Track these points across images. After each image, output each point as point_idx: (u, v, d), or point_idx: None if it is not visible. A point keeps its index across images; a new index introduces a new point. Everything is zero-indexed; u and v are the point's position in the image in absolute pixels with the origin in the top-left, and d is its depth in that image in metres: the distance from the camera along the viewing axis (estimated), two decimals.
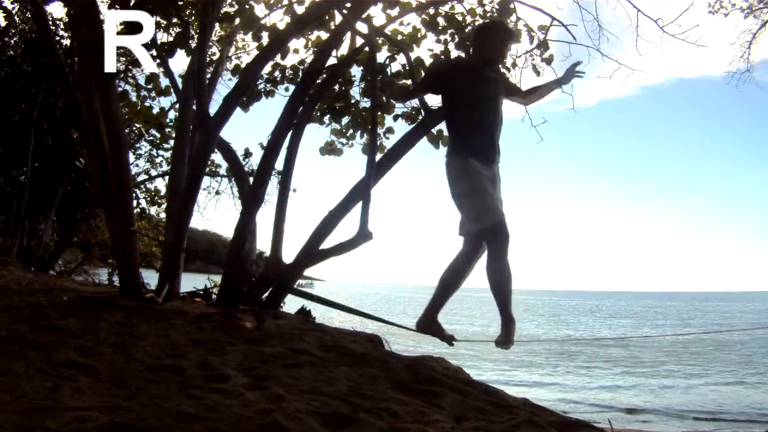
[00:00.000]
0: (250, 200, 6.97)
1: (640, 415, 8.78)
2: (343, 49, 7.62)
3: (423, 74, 3.84)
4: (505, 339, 3.62)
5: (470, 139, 3.49)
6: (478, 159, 3.47)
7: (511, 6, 7.28)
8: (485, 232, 3.51)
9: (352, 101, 8.08)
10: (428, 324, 3.88)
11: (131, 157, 11.36)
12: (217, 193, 12.22)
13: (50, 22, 8.97)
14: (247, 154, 10.55)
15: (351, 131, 8.23)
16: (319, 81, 7.38)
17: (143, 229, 12.10)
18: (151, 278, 7.37)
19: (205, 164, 7.34)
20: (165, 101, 9.48)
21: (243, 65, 8.09)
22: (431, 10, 7.65)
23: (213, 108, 6.92)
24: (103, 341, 3.81)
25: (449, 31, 7.70)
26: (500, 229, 3.48)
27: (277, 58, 7.66)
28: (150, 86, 8.90)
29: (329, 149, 8.33)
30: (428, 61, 7.71)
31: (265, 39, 7.45)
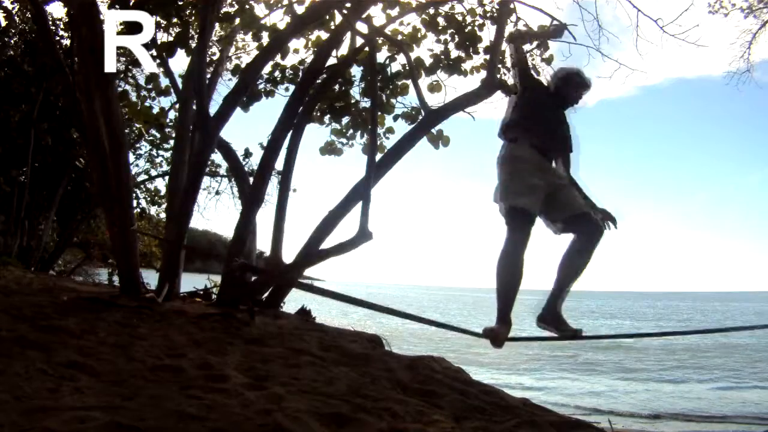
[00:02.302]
0: (250, 200, 6.98)
1: (640, 416, 8.79)
2: (343, 49, 7.64)
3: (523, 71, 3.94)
4: (491, 337, 3.44)
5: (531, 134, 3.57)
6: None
7: (511, 6, 7.28)
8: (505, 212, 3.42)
9: (352, 101, 8.09)
10: (553, 318, 3.48)
11: (131, 157, 11.37)
12: (217, 193, 12.24)
13: (50, 22, 8.98)
14: (247, 154, 10.57)
15: (351, 131, 8.24)
16: (319, 81, 7.39)
17: (143, 229, 12.10)
18: (151, 278, 7.37)
19: (205, 164, 7.34)
20: (165, 101, 9.50)
21: (243, 65, 8.11)
22: (431, 10, 7.65)
23: (213, 108, 6.93)
24: (103, 341, 3.81)
25: (449, 31, 7.70)
26: (514, 214, 3.36)
27: (277, 58, 7.67)
28: (150, 86, 8.91)
29: (329, 149, 8.34)
30: (428, 61, 7.73)
31: (265, 39, 7.46)
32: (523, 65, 3.97)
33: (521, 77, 3.93)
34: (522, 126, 3.57)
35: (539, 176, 3.42)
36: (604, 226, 3.42)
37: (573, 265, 3.41)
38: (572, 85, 3.75)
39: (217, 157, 10.53)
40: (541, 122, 3.58)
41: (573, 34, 7.48)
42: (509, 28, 7.50)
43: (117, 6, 6.17)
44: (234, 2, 7.58)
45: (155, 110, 9.22)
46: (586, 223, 3.38)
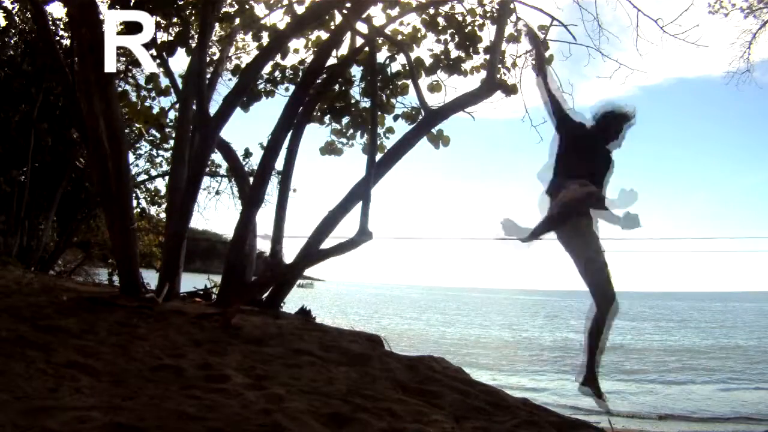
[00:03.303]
0: (250, 200, 6.98)
1: (640, 416, 8.78)
2: (343, 49, 7.63)
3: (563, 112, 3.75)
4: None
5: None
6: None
7: (511, 6, 7.28)
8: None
9: (352, 101, 8.09)
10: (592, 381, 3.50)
11: (131, 157, 11.36)
12: (217, 193, 12.23)
13: (50, 22, 8.97)
14: (247, 154, 10.56)
15: (351, 131, 8.24)
16: (319, 81, 7.39)
17: (143, 229, 12.10)
18: (151, 278, 7.37)
19: (205, 164, 7.34)
20: (165, 101, 9.48)
21: (243, 65, 8.10)
22: (431, 10, 7.66)
23: (213, 108, 6.93)
24: (103, 341, 3.80)
25: (449, 31, 7.70)
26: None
27: (277, 58, 7.67)
28: (150, 86, 8.91)
29: (329, 149, 8.33)
30: (428, 61, 7.74)
31: (265, 39, 7.46)
32: (558, 106, 3.76)
33: (558, 122, 3.76)
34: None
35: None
36: (612, 299, 3.44)
37: (592, 332, 3.46)
38: (612, 122, 3.66)
39: (217, 157, 10.54)
40: (584, 177, 3.51)
41: (573, 34, 7.49)
42: (509, 29, 7.52)
43: (117, 6, 6.17)
44: (234, 2, 7.58)
45: (155, 110, 9.21)
46: (594, 295, 3.42)
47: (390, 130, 8.04)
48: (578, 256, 3.49)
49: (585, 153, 3.60)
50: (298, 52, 7.99)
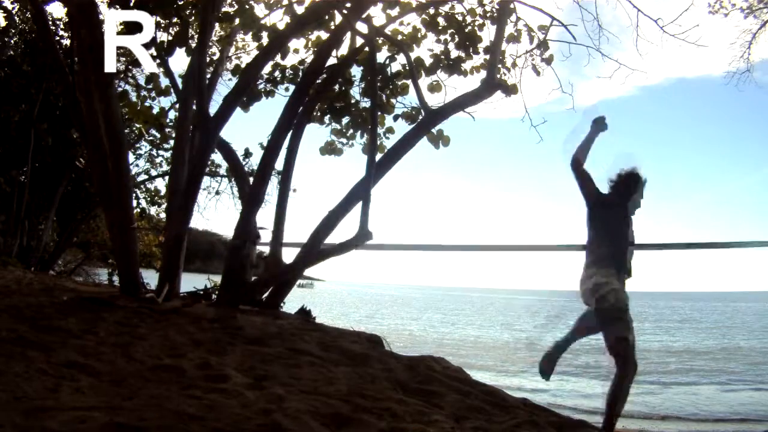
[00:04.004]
0: (250, 200, 6.98)
1: (640, 417, 8.78)
2: (343, 49, 7.63)
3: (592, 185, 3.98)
4: None
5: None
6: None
7: (511, 6, 7.28)
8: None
9: (352, 101, 8.09)
10: None
11: (131, 157, 11.38)
12: (217, 193, 12.23)
13: (50, 22, 8.98)
14: (247, 154, 10.57)
15: (351, 131, 8.24)
16: (319, 81, 7.39)
17: (143, 229, 12.09)
18: (151, 278, 7.36)
19: (205, 164, 7.34)
20: (165, 101, 9.48)
21: (243, 65, 8.10)
22: (431, 10, 7.66)
23: (213, 108, 6.93)
24: (103, 341, 3.81)
25: (449, 31, 7.70)
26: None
27: (277, 58, 7.67)
28: (150, 86, 8.91)
29: (329, 149, 8.33)
30: (428, 61, 7.74)
31: (265, 39, 7.45)
32: (592, 188, 3.92)
33: (594, 204, 3.94)
34: (604, 259, 3.80)
35: None
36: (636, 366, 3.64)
37: (612, 391, 3.59)
38: (634, 187, 3.88)
39: (217, 157, 10.54)
40: (618, 248, 3.84)
41: (573, 34, 7.49)
42: (509, 29, 7.52)
43: (117, 6, 6.17)
44: (234, 2, 7.58)
45: (155, 110, 9.22)
46: (616, 358, 3.57)
47: (390, 130, 8.04)
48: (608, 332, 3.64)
49: (614, 228, 3.86)
50: (298, 52, 7.99)
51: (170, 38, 7.36)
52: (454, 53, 7.70)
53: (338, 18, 7.13)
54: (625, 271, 3.86)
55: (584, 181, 3.90)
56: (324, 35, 7.67)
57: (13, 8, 11.19)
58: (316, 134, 8.56)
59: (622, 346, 3.51)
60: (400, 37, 7.63)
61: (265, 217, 7.41)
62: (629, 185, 3.85)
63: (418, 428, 2.64)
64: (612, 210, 3.87)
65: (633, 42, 7.50)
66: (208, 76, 7.37)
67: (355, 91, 8.07)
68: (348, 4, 6.80)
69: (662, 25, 7.22)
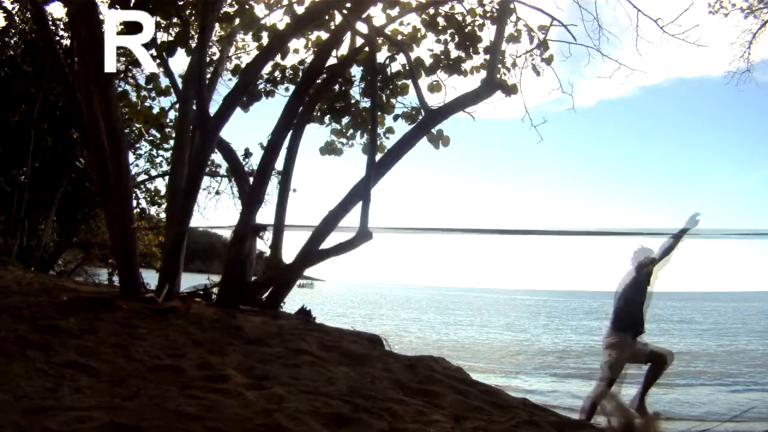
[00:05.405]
0: (250, 200, 6.98)
1: (640, 417, 8.77)
2: (343, 49, 7.64)
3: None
4: None
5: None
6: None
7: (511, 6, 7.28)
8: None
9: (352, 101, 8.09)
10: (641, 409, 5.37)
11: (131, 157, 11.37)
12: (217, 193, 12.23)
13: (50, 22, 8.97)
14: (247, 154, 10.57)
15: (351, 131, 8.24)
16: (319, 81, 7.39)
17: (143, 228, 12.10)
18: (151, 278, 7.36)
19: (205, 164, 7.34)
20: (165, 101, 9.48)
21: (243, 65, 8.11)
22: (431, 10, 7.66)
23: (213, 108, 6.93)
24: (103, 341, 3.80)
25: (449, 31, 7.71)
26: None
27: (277, 58, 7.67)
28: (150, 86, 8.91)
29: (329, 149, 8.33)
30: (428, 61, 7.74)
31: (265, 39, 7.45)
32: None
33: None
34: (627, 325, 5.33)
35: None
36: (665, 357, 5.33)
37: (649, 377, 5.38)
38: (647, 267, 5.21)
39: (217, 157, 10.55)
40: (637, 314, 5.29)
41: (573, 34, 7.49)
42: (509, 29, 7.51)
43: (117, 6, 6.17)
44: (234, 2, 7.58)
45: (155, 110, 9.22)
46: (652, 360, 5.33)
47: (390, 130, 8.05)
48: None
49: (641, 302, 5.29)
50: (298, 52, 7.99)
51: (170, 38, 7.36)
52: (454, 53, 7.70)
53: (338, 18, 7.14)
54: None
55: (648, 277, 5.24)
56: (324, 35, 7.68)
57: (13, 8, 11.20)
58: (316, 134, 8.57)
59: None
60: (400, 37, 7.64)
61: (265, 217, 7.42)
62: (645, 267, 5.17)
63: (418, 428, 2.64)
64: (640, 286, 5.21)
65: (633, 42, 7.51)
66: (208, 76, 7.37)
67: (355, 91, 8.09)
68: (348, 4, 6.81)
69: (662, 25, 7.24)
